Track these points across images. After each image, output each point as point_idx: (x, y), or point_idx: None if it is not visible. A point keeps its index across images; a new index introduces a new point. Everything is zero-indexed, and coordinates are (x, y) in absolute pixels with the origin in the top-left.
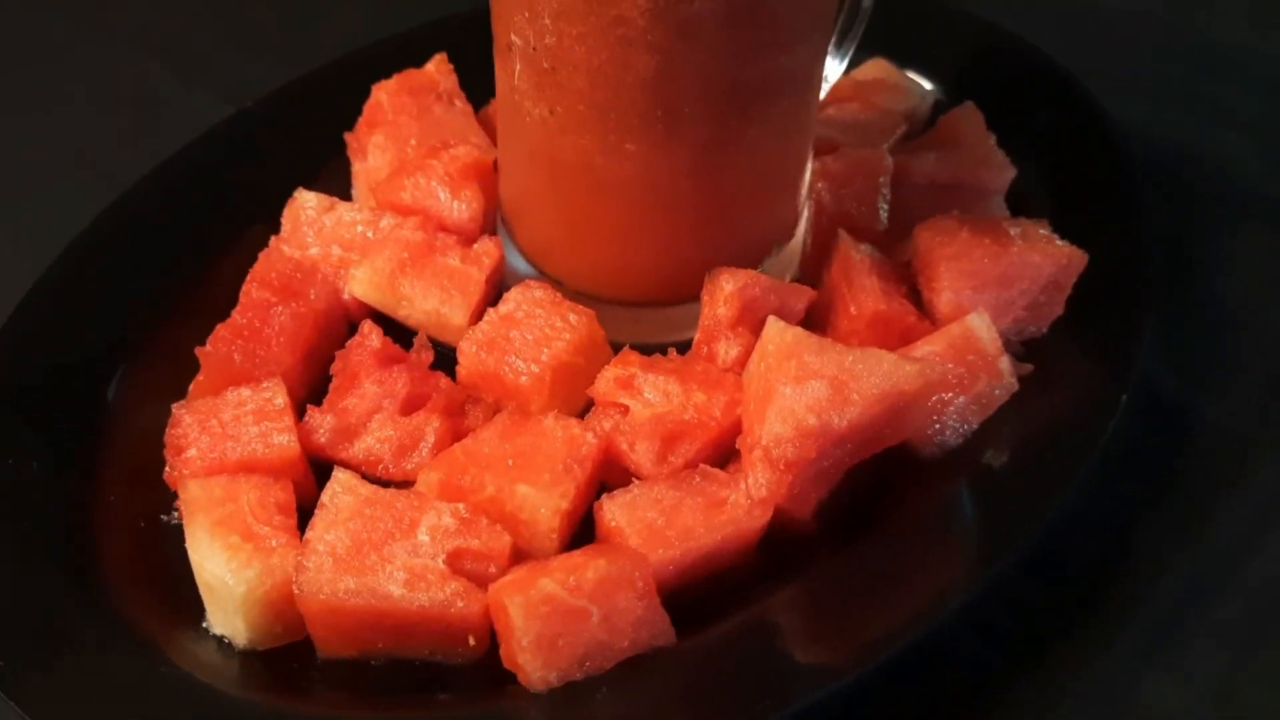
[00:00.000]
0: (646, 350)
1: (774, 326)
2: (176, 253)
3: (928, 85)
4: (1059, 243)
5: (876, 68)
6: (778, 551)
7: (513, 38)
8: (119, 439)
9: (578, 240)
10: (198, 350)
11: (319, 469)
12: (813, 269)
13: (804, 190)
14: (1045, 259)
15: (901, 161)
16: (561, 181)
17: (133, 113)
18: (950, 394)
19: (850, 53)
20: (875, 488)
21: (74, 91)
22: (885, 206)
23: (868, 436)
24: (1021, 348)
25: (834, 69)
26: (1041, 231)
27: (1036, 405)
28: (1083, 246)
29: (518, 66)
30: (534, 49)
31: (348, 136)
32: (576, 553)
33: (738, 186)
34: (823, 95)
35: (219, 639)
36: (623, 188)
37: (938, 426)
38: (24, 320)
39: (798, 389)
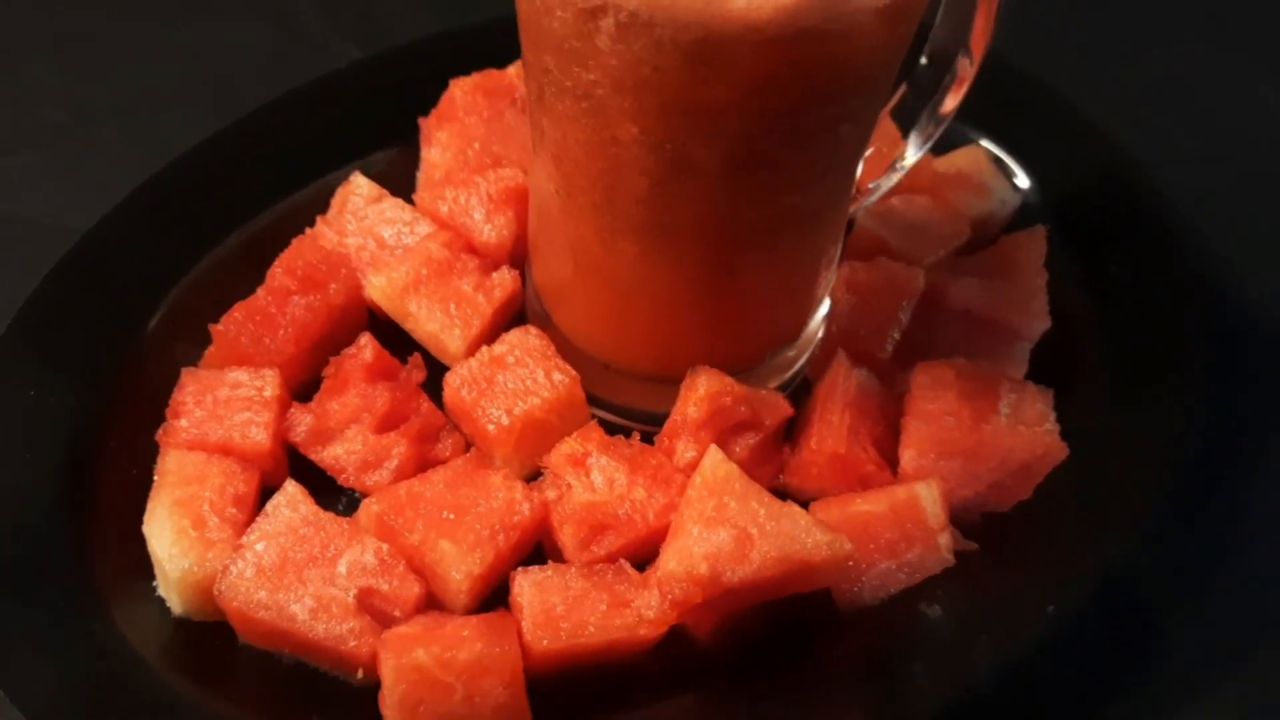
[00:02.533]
0: (628, 415)
1: (713, 457)
2: (250, 204)
3: (1023, 180)
4: (1044, 429)
5: (969, 156)
6: (672, 659)
7: (532, 103)
8: (149, 376)
9: (578, 302)
10: (211, 327)
11: (297, 457)
12: (818, 370)
13: (822, 295)
14: (1020, 444)
15: (940, 282)
16: (565, 248)
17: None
18: (878, 557)
19: (933, 136)
20: (787, 617)
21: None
22: (897, 335)
23: (766, 590)
24: (980, 519)
25: (912, 151)
26: (1037, 409)
27: (971, 585)
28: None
29: (533, 131)
30: (544, 130)
31: (422, 122)
32: (468, 623)
33: (736, 299)
34: (895, 181)
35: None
36: (617, 276)
37: (857, 587)
38: (93, 241)
39: (704, 532)
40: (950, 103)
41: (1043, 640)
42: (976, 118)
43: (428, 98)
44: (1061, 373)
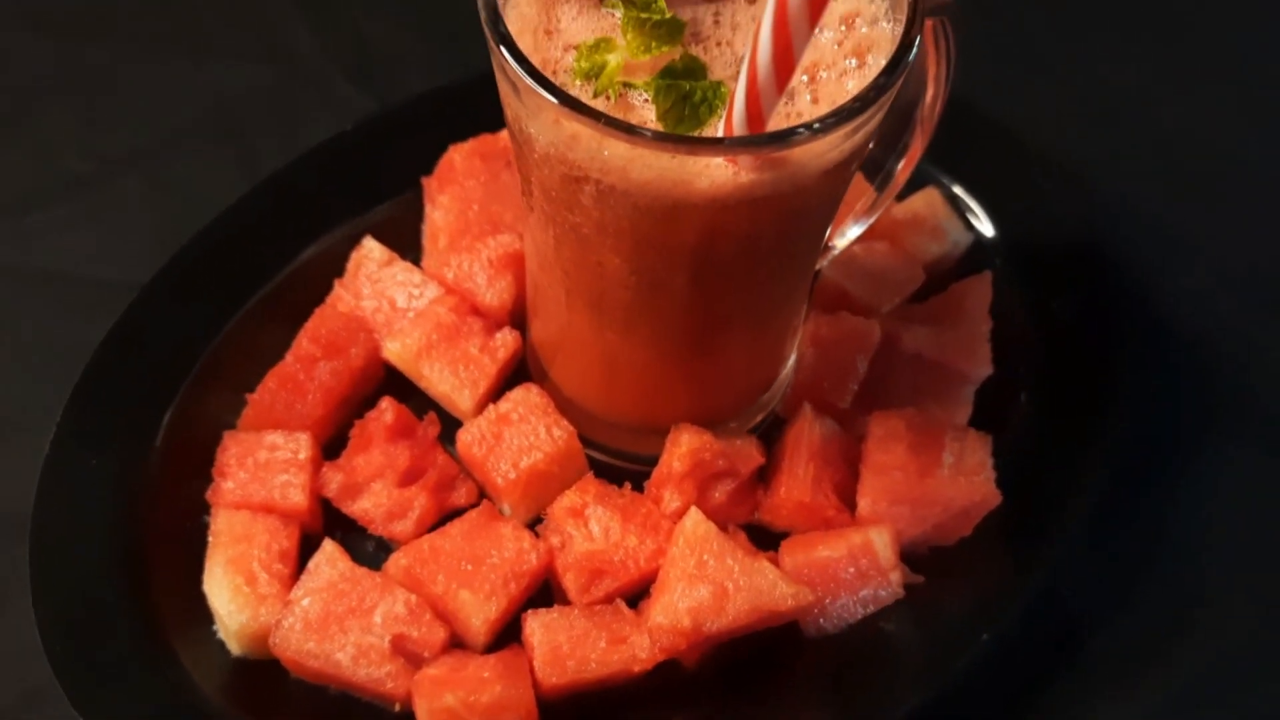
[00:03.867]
0: (619, 456)
1: (693, 518)
2: (273, 262)
3: (978, 214)
4: (982, 478)
5: (925, 199)
6: (662, 679)
7: (525, 209)
8: (192, 435)
9: (570, 365)
10: (248, 395)
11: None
12: (788, 408)
13: (791, 349)
14: (960, 493)
15: (895, 330)
16: (556, 321)
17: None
18: (837, 593)
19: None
20: (761, 642)
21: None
22: (855, 387)
23: (740, 632)
24: (928, 551)
25: (879, 204)
26: (977, 457)
27: (918, 611)
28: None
29: (526, 224)
30: (535, 233)
31: (425, 181)
32: (486, 664)
33: (714, 370)
34: (860, 233)
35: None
36: (603, 353)
37: (820, 619)
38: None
39: (686, 589)
40: (907, 164)
41: (978, 656)
42: (932, 153)
43: (429, 152)
44: (1002, 411)
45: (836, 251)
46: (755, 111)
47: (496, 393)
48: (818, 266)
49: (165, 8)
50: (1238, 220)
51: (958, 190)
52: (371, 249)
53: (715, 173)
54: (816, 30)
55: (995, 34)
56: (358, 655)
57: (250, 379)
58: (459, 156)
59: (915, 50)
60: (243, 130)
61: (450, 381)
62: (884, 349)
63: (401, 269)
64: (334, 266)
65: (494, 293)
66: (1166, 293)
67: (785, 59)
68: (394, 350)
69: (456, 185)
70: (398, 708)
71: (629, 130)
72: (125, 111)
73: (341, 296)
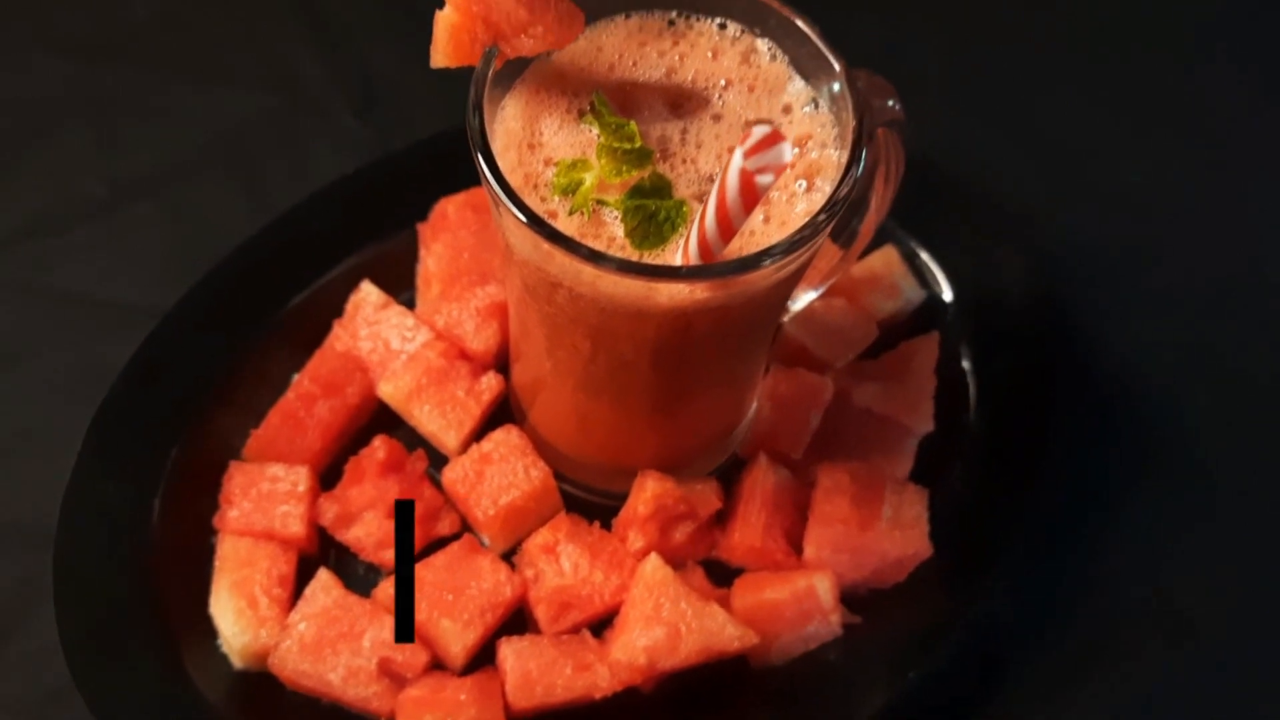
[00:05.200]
0: (590, 491)
1: (652, 563)
2: (280, 296)
3: (936, 276)
4: (917, 532)
5: (883, 258)
6: (624, 698)
7: (505, 284)
8: (202, 462)
9: (546, 412)
10: (253, 431)
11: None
12: (747, 451)
13: (751, 402)
14: (894, 547)
15: (847, 385)
16: (532, 374)
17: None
18: (782, 631)
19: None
20: (713, 670)
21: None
22: (807, 439)
23: (693, 668)
24: (867, 593)
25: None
26: (914, 511)
27: (856, 647)
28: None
29: (506, 295)
30: (514, 308)
31: (420, 227)
32: (463, 686)
33: (679, 427)
34: (821, 292)
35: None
36: (575, 409)
37: (766, 654)
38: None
39: (644, 629)
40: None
41: (909, 689)
42: (894, 210)
43: (430, 195)
44: (940, 464)
45: (798, 309)
46: (706, 251)
47: (480, 432)
48: (780, 322)
49: (180, 33)
50: (1193, 286)
51: (915, 246)
52: (369, 293)
53: (674, 290)
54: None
55: (963, 90)
56: (347, 676)
57: (261, 406)
58: (452, 208)
59: (855, 185)
60: (250, 158)
61: (438, 422)
62: (836, 402)
63: (396, 313)
64: (340, 294)
65: (480, 339)
66: (1109, 358)
67: (727, 229)
68: (387, 391)
69: (449, 234)
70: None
71: (596, 259)
72: (139, 135)
73: (340, 336)
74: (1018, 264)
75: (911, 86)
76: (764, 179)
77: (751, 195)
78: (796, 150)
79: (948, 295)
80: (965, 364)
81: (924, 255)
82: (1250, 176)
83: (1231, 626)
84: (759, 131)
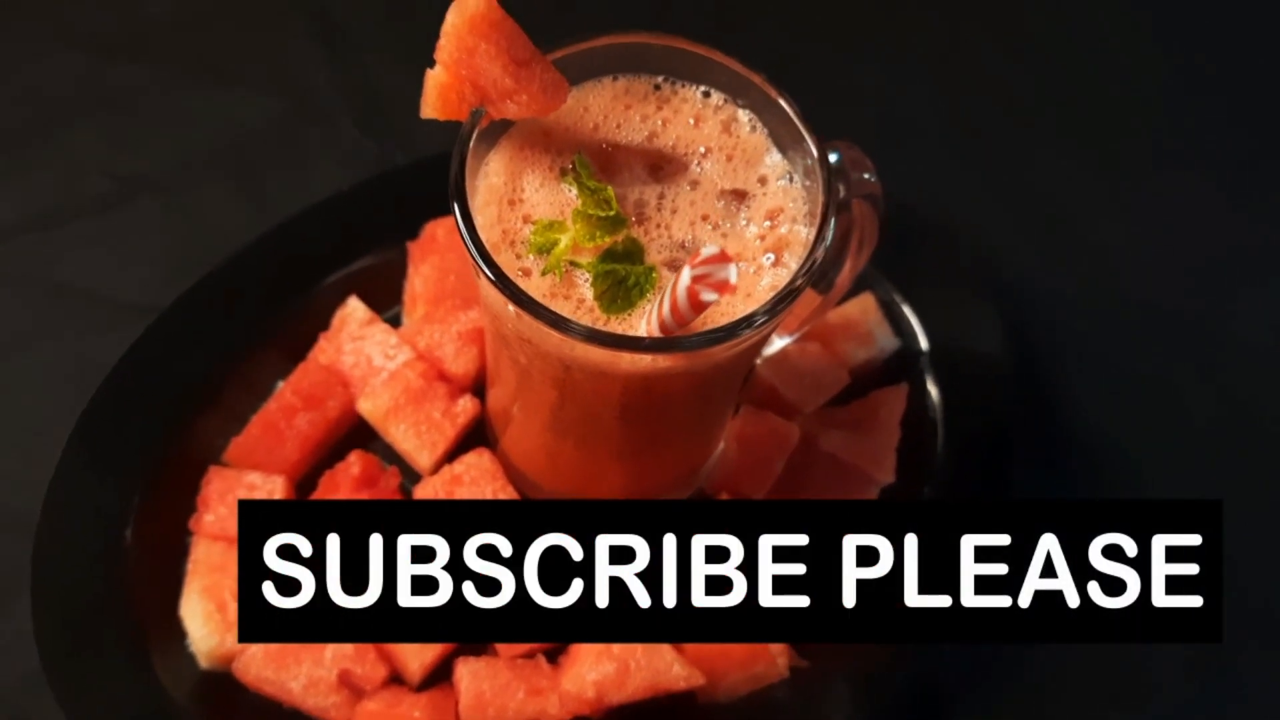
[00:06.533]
0: None
1: None
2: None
3: (911, 326)
4: None
5: (860, 305)
6: None
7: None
8: (184, 464)
9: (517, 442)
10: (234, 438)
11: None
12: (715, 487)
13: (719, 441)
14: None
15: (813, 431)
16: (504, 406)
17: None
18: (730, 671)
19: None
20: (661, 701)
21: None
22: (771, 482)
23: (641, 702)
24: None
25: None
26: None
27: (801, 689)
28: None
29: (485, 333)
30: (490, 350)
31: (410, 245)
32: (418, 703)
33: (646, 468)
34: (797, 338)
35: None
36: (545, 444)
37: (713, 692)
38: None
39: (594, 663)
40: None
41: None
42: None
43: (422, 213)
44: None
45: (771, 353)
46: (667, 331)
47: (453, 453)
48: (754, 363)
49: (196, 34)
50: (1171, 351)
51: (894, 294)
52: (355, 309)
53: (638, 358)
54: (744, 223)
55: (949, 141)
56: (308, 685)
57: (246, 411)
58: (441, 231)
59: (815, 266)
60: (251, 162)
61: (413, 441)
62: (803, 446)
63: (380, 330)
64: (329, 307)
65: (460, 363)
66: (1074, 421)
67: (682, 322)
68: (366, 408)
69: (438, 256)
70: None
71: (562, 326)
72: (145, 134)
73: (324, 349)
74: (993, 322)
75: (908, 130)
76: (708, 295)
77: (698, 307)
78: (743, 265)
79: (923, 345)
80: (932, 416)
81: (901, 304)
82: (1224, 237)
83: (1189, 679)
84: (707, 252)
